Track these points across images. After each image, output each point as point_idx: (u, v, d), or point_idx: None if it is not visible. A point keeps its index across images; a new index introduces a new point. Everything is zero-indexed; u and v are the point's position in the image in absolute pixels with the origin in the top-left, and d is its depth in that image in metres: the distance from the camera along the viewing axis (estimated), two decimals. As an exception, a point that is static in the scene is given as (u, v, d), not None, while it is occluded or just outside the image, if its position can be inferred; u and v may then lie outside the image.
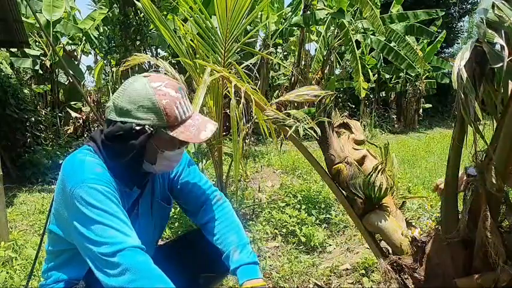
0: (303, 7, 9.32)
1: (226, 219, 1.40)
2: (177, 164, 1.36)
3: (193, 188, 1.45)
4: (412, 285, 1.36)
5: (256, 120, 2.01)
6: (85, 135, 9.25)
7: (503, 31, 0.95)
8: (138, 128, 1.16)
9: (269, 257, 2.67)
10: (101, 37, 8.98)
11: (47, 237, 1.33)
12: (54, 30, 8.07)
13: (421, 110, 13.90)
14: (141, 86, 1.18)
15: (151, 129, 1.18)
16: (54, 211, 1.24)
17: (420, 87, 13.10)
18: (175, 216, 3.05)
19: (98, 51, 9.80)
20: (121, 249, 1.07)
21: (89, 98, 9.93)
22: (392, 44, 9.90)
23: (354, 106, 12.32)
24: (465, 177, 1.19)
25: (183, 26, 3.05)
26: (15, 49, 7.47)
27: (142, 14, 5.93)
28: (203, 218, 1.43)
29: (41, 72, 8.64)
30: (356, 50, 9.08)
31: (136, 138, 1.17)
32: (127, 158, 1.20)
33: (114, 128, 1.19)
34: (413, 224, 1.51)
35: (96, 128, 9.12)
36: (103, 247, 1.07)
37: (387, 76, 13.24)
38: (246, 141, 6.25)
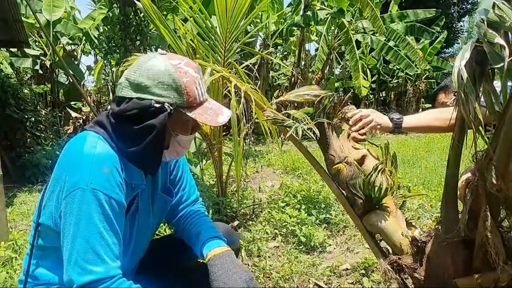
0: (303, 7, 9.33)
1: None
2: (186, 152, 1.29)
3: (183, 190, 1.45)
4: (412, 285, 1.36)
5: (256, 120, 2.01)
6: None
7: (503, 31, 0.95)
8: (157, 105, 1.08)
9: (269, 257, 2.67)
10: (101, 37, 8.98)
11: (33, 230, 1.21)
12: (54, 30, 8.09)
13: (421, 110, 13.92)
14: (160, 63, 1.11)
15: (171, 107, 1.10)
16: (48, 193, 1.14)
17: (420, 87, 13.13)
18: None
19: (98, 51, 9.80)
20: (95, 280, 1.01)
21: (89, 98, 9.95)
22: (391, 44, 9.90)
23: (354, 106, 12.33)
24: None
25: (183, 26, 3.05)
26: (15, 49, 7.48)
27: (142, 14, 5.92)
28: (176, 222, 1.45)
29: (41, 72, 8.66)
30: (356, 49, 9.09)
31: (154, 117, 1.08)
32: (145, 141, 1.09)
33: (128, 105, 1.09)
34: (413, 224, 1.51)
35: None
36: (79, 265, 1.02)
37: (387, 76, 13.26)
38: (246, 141, 6.25)
